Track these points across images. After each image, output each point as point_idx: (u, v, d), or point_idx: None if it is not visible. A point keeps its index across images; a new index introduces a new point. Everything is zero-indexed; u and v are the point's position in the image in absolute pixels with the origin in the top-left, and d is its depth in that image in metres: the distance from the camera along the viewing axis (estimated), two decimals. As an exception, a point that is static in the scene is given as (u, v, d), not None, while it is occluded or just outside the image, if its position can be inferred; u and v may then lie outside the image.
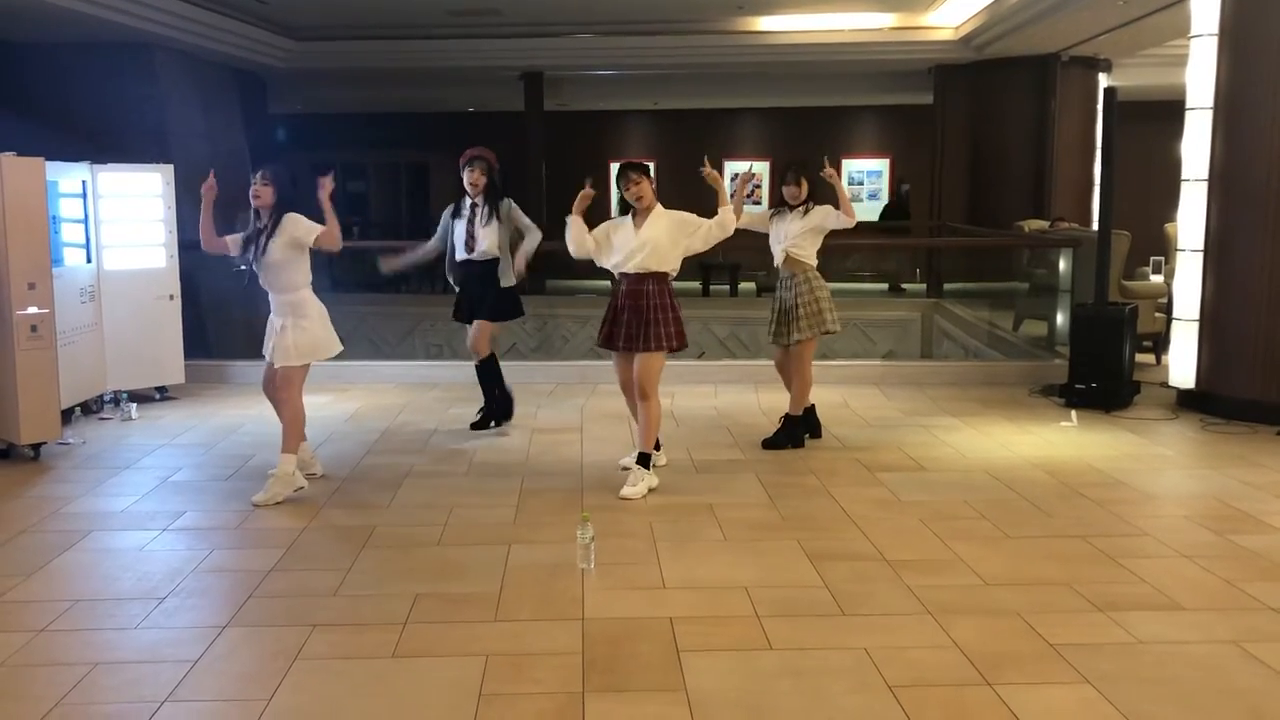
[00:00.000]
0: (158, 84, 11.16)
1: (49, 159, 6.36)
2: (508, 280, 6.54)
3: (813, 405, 6.56)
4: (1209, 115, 7.29)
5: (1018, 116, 14.02)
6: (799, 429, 6.43)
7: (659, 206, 5.48)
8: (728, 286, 15.73)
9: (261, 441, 6.43)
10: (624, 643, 3.65)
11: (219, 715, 3.22)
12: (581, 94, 17.98)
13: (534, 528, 4.91)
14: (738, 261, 15.30)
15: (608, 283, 5.97)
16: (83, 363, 7.11)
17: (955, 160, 14.73)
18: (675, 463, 6.02)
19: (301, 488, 5.38)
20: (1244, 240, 7.08)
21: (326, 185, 5.34)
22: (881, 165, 20.89)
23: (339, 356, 5.67)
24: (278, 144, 16.28)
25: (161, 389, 7.88)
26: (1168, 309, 8.65)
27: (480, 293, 6.55)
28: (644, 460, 5.51)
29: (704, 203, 5.65)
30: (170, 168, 7.78)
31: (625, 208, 5.53)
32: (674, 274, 5.56)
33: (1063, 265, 9.32)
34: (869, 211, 19.67)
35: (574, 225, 5.51)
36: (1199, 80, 7.35)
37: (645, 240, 5.40)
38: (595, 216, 5.60)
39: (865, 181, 20.80)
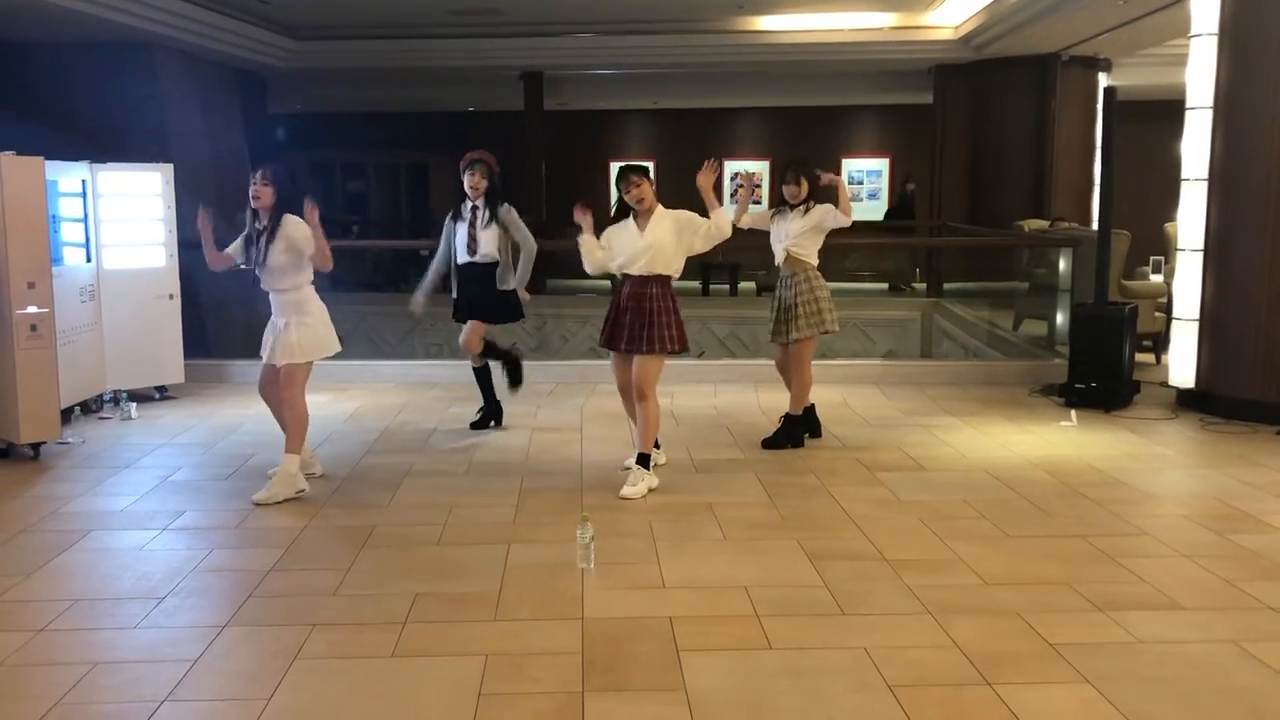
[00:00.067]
0: (158, 84, 11.16)
1: (49, 158, 6.36)
2: (506, 284, 6.55)
3: (812, 405, 6.56)
4: (1209, 115, 7.29)
5: (1017, 116, 14.03)
6: (799, 428, 6.44)
7: (660, 208, 5.48)
8: (728, 286, 15.73)
9: (261, 441, 6.43)
10: (624, 642, 3.65)
11: (218, 715, 3.22)
12: (581, 93, 17.99)
13: (534, 527, 4.91)
14: (738, 261, 15.30)
15: (608, 282, 5.97)
16: (82, 362, 7.11)
17: (955, 160, 14.73)
18: (675, 462, 6.02)
19: (303, 490, 5.37)
20: (1244, 240, 7.07)
21: (313, 211, 5.28)
22: (881, 165, 20.90)
23: (339, 356, 5.67)
24: (278, 143, 16.28)
25: (161, 388, 7.88)
26: (1167, 309, 8.65)
27: (479, 294, 6.55)
28: (643, 460, 5.51)
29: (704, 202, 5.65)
30: (170, 167, 7.77)
31: (622, 209, 5.53)
32: (677, 276, 5.57)
33: (1063, 265, 9.31)
34: (870, 211, 19.68)
35: (586, 245, 5.52)
36: (1199, 80, 7.34)
37: (650, 243, 5.40)
38: (595, 217, 5.60)
39: (865, 181, 20.81)
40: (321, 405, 7.42)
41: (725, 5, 12.85)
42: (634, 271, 5.46)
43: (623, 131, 21.30)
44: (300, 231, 5.25)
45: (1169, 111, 9.74)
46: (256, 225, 5.33)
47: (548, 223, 14.37)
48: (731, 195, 19.03)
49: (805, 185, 6.22)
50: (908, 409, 7.51)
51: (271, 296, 5.43)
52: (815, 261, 6.28)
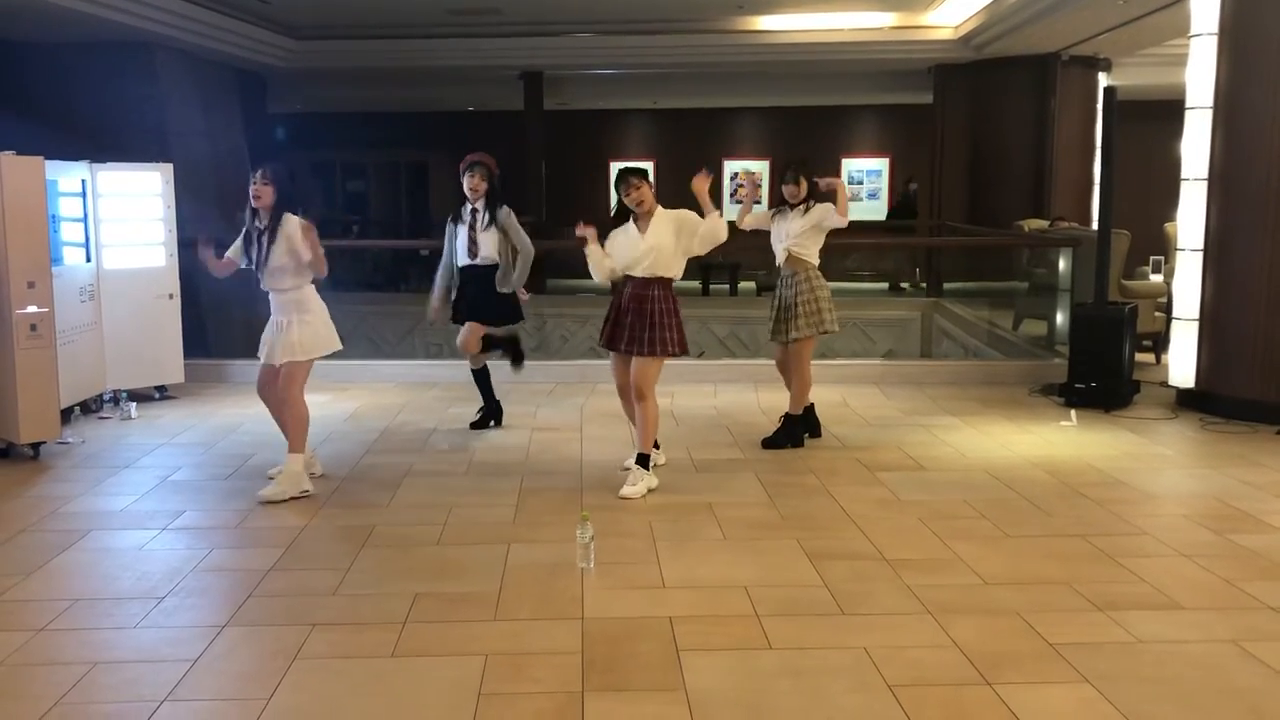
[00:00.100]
0: (158, 83, 11.15)
1: (49, 158, 6.36)
2: (505, 286, 6.55)
3: (812, 404, 6.56)
4: (1209, 115, 7.29)
5: (1017, 116, 14.02)
6: (799, 428, 6.44)
7: (660, 209, 5.47)
8: (728, 286, 15.74)
9: (261, 441, 6.43)
10: (623, 642, 3.65)
11: (218, 714, 3.22)
12: (581, 93, 17.98)
13: (533, 527, 4.91)
14: (738, 261, 15.30)
15: (608, 282, 5.98)
16: (82, 362, 7.11)
17: (955, 160, 14.72)
18: (675, 462, 6.02)
19: (307, 491, 5.37)
20: (1244, 240, 7.07)
21: (310, 231, 5.26)
22: (881, 165, 20.90)
23: (339, 355, 5.67)
24: (278, 143, 16.28)
25: (161, 388, 7.88)
26: (1167, 308, 8.65)
27: (479, 295, 6.55)
28: (643, 460, 5.51)
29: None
30: (170, 167, 7.77)
31: (621, 211, 5.52)
32: (678, 278, 5.56)
33: (1062, 265, 9.31)
34: (870, 211, 19.68)
35: (594, 257, 5.52)
36: (1199, 80, 7.34)
37: (651, 246, 5.39)
38: (595, 218, 5.61)
39: (865, 181, 20.80)
40: (321, 405, 7.41)
41: (725, 5, 12.85)
42: (636, 274, 5.46)
43: (623, 131, 21.29)
44: (298, 236, 5.24)
45: (1169, 111, 9.74)
46: (257, 225, 5.34)
47: (547, 223, 14.39)
48: (732, 195, 19.05)
49: (805, 185, 6.23)
50: (908, 409, 7.51)
51: (272, 296, 5.43)
52: (816, 261, 6.28)
